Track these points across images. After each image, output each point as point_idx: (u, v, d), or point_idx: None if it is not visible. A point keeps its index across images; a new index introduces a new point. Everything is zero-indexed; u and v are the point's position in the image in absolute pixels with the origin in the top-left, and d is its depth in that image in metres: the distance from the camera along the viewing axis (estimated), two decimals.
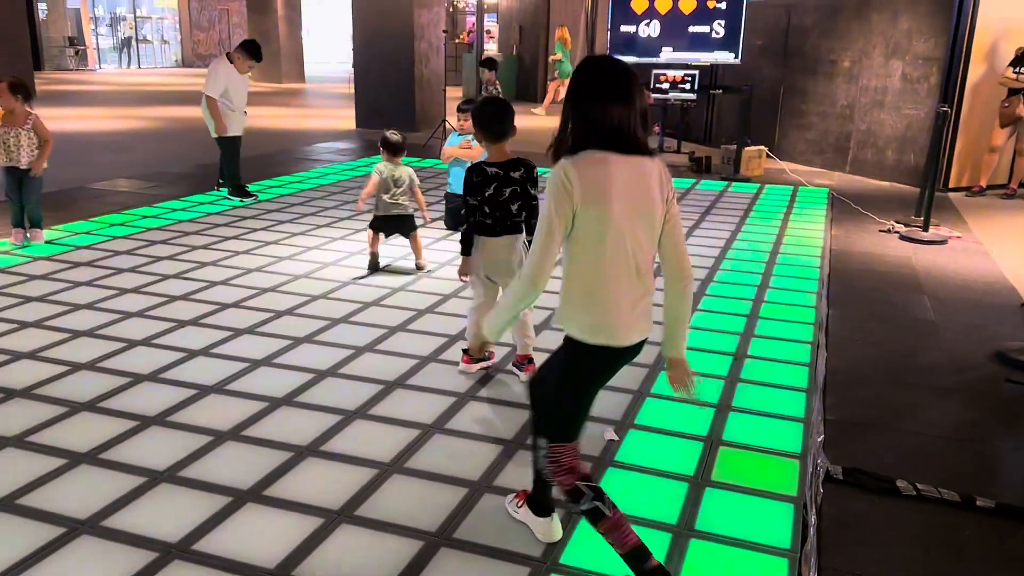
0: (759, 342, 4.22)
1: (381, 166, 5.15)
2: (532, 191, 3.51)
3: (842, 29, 9.56)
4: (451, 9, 22.91)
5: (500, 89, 10.12)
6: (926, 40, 8.57)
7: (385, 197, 5.17)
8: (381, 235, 5.30)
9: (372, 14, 12.35)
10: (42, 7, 25.04)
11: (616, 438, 3.16)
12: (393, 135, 5.16)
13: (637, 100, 2.15)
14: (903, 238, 6.52)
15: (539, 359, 3.91)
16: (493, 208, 3.47)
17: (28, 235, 5.70)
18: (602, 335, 2.18)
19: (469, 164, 4.23)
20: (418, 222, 5.41)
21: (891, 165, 9.11)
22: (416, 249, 5.35)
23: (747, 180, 9.13)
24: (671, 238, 2.22)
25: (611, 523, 2.20)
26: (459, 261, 3.70)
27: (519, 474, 2.88)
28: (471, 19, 23.30)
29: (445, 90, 12.17)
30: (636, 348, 2.27)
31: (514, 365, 3.77)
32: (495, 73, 10.47)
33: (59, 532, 2.49)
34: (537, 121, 14.94)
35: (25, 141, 5.56)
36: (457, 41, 22.59)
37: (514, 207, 3.49)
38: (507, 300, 2.29)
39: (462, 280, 3.68)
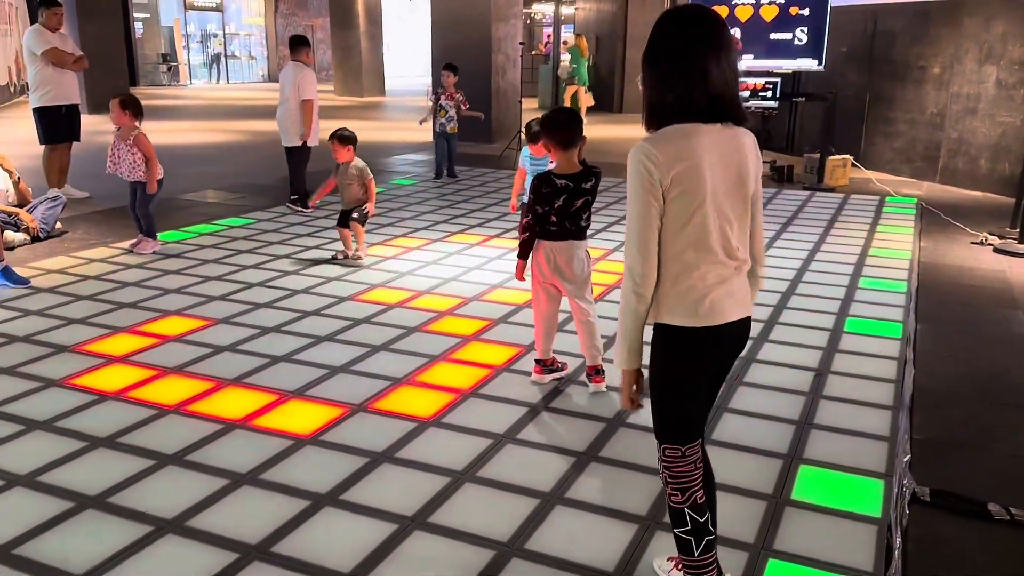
0: (843, 357, 4.09)
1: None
2: (594, 195, 3.55)
3: (932, 34, 9.23)
4: (528, 22, 23.05)
5: (462, 96, 9.27)
6: (1023, 45, 8.20)
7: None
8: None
9: (451, 28, 12.52)
10: (138, 26, 26.25)
11: None
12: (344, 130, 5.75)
13: (730, 56, 1.91)
14: (997, 251, 6.23)
15: (609, 370, 3.88)
16: (562, 217, 3.48)
17: (136, 242, 6.01)
18: (697, 316, 1.98)
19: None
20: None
21: (984, 174, 8.73)
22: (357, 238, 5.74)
23: (831, 190, 8.88)
24: (754, 220, 2.08)
25: (695, 568, 2.10)
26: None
27: (589, 486, 2.87)
28: (548, 31, 23.38)
29: (521, 101, 12.23)
30: (739, 332, 2.08)
31: (586, 376, 3.75)
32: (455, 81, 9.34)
33: (146, 531, 2.59)
34: (611, 131, 14.88)
35: (127, 155, 5.83)
36: (534, 53, 22.69)
37: (584, 216, 3.52)
38: (621, 322, 2.06)
39: (520, 281, 3.74)
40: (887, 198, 8.34)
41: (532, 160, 5.47)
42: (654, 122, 1.98)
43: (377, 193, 8.34)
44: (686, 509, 2.09)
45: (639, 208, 1.94)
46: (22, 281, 5.07)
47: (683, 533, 2.11)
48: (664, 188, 1.91)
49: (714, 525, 2.18)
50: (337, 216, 5.93)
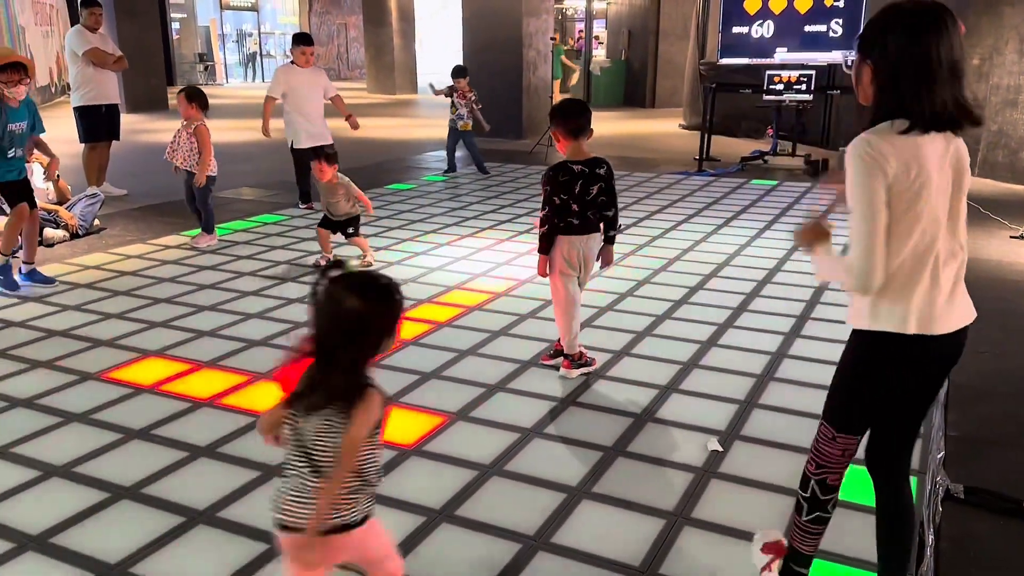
0: None
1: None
2: (612, 184, 3.58)
3: (970, 25, 9.03)
4: (559, 16, 22.99)
5: (475, 97, 9.30)
6: None
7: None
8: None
9: (482, 24, 12.53)
10: (175, 26, 26.65)
11: (720, 449, 3.08)
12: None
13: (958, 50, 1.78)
14: None
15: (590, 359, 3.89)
16: (583, 207, 3.51)
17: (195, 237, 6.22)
18: (915, 323, 1.87)
19: None
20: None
21: None
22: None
23: None
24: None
25: (799, 531, 2.15)
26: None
27: (617, 481, 2.86)
28: (580, 25, 23.30)
29: (552, 97, 12.21)
30: (955, 341, 1.95)
31: (561, 361, 3.77)
32: (467, 81, 9.40)
33: (179, 521, 2.64)
34: (643, 126, 14.81)
35: (185, 142, 6.00)
36: (565, 48, 22.62)
37: (605, 206, 3.57)
38: (842, 267, 1.95)
39: (543, 277, 3.75)
40: None
41: None
42: (871, 120, 1.87)
43: (408, 189, 8.41)
44: (813, 480, 2.12)
45: (865, 192, 1.82)
46: (47, 280, 5.14)
47: (802, 498, 2.15)
48: (889, 178, 1.80)
49: (885, 558, 2.14)
50: (320, 220, 5.60)
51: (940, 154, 1.85)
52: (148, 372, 3.82)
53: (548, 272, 3.68)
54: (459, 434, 3.23)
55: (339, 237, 5.58)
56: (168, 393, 3.59)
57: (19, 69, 4.72)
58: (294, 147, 7.35)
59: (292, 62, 7.40)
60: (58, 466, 2.97)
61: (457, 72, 9.36)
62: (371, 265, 5.51)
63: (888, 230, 1.84)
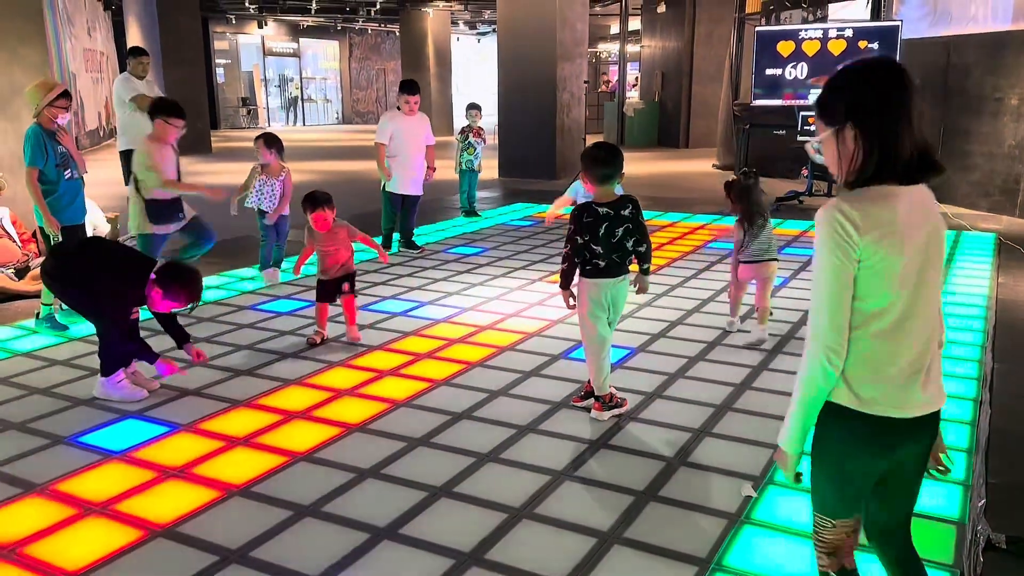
0: None
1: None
2: (640, 221, 3.58)
3: (1009, 65, 8.97)
4: (593, 60, 23.26)
5: (484, 137, 9.34)
6: None
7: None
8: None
9: (517, 68, 12.74)
10: (219, 72, 27.45)
11: (754, 494, 3.04)
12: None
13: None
14: None
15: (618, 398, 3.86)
16: (608, 250, 3.54)
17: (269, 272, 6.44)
18: (882, 405, 1.81)
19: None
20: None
21: None
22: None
23: None
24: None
25: None
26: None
27: (649, 526, 2.83)
28: (614, 68, 23.54)
29: (585, 139, 12.33)
30: (928, 422, 1.89)
31: (591, 401, 3.77)
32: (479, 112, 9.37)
33: (212, 560, 2.67)
34: (676, 166, 14.85)
35: (271, 191, 6.31)
36: (600, 91, 22.86)
37: (629, 244, 3.57)
38: (797, 397, 1.88)
39: (570, 308, 3.76)
40: (963, 233, 8.08)
41: (584, 194, 5.50)
42: (852, 181, 1.81)
43: (442, 228, 8.49)
44: (832, 573, 1.97)
45: (831, 261, 1.75)
46: (61, 327, 5.13)
47: None
48: (859, 251, 1.74)
49: None
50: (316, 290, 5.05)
51: (917, 210, 1.79)
52: (185, 411, 3.88)
53: (572, 306, 3.70)
54: (489, 476, 3.22)
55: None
56: (205, 432, 3.64)
57: (68, 96, 5.05)
58: (387, 189, 7.39)
59: (398, 108, 7.43)
60: (96, 502, 3.02)
61: (475, 107, 9.31)
62: (358, 340, 4.88)
63: (855, 304, 1.78)
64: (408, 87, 7.41)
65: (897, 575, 2.05)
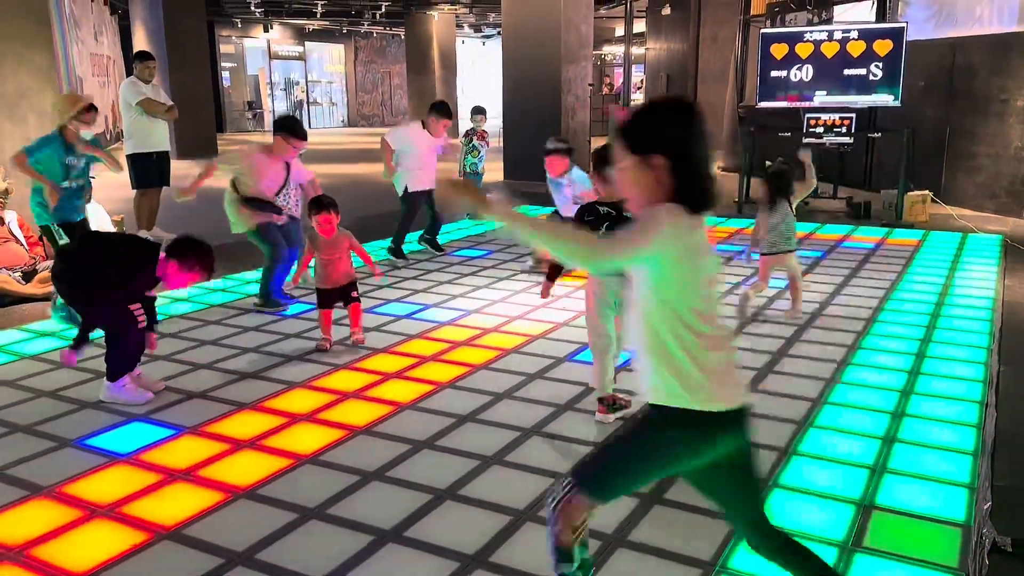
0: (921, 400, 3.96)
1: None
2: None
3: (1015, 66, 8.95)
4: (599, 63, 23.27)
5: (487, 142, 9.37)
6: None
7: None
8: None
9: (521, 71, 12.75)
10: (225, 76, 27.52)
11: None
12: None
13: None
14: None
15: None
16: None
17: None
18: (711, 399, 1.92)
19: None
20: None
21: None
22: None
23: (910, 226, 8.64)
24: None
25: None
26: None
27: (653, 529, 2.83)
28: (618, 71, 23.55)
29: (590, 141, 12.33)
30: (745, 414, 1.98)
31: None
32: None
33: (218, 563, 2.68)
34: None
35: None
36: (603, 93, 22.87)
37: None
38: (554, 234, 1.94)
39: (543, 298, 3.94)
40: (969, 235, 8.06)
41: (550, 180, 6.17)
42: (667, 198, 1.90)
43: (447, 232, 8.51)
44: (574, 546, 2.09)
45: (644, 239, 1.85)
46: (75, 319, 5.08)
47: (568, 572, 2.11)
48: (671, 247, 1.86)
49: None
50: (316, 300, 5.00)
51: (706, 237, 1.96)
52: (191, 414, 3.89)
53: (545, 296, 3.91)
54: (494, 478, 3.23)
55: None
56: (211, 435, 3.65)
57: (94, 108, 5.27)
58: (409, 191, 7.32)
59: (422, 122, 7.29)
60: (103, 505, 3.04)
61: (480, 112, 9.28)
62: (362, 343, 4.87)
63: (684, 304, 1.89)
64: (442, 110, 7.36)
65: (792, 562, 2.06)
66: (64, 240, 5.51)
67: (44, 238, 6.65)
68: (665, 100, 1.99)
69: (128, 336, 4.00)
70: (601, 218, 3.55)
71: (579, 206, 3.68)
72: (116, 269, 3.97)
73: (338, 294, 4.90)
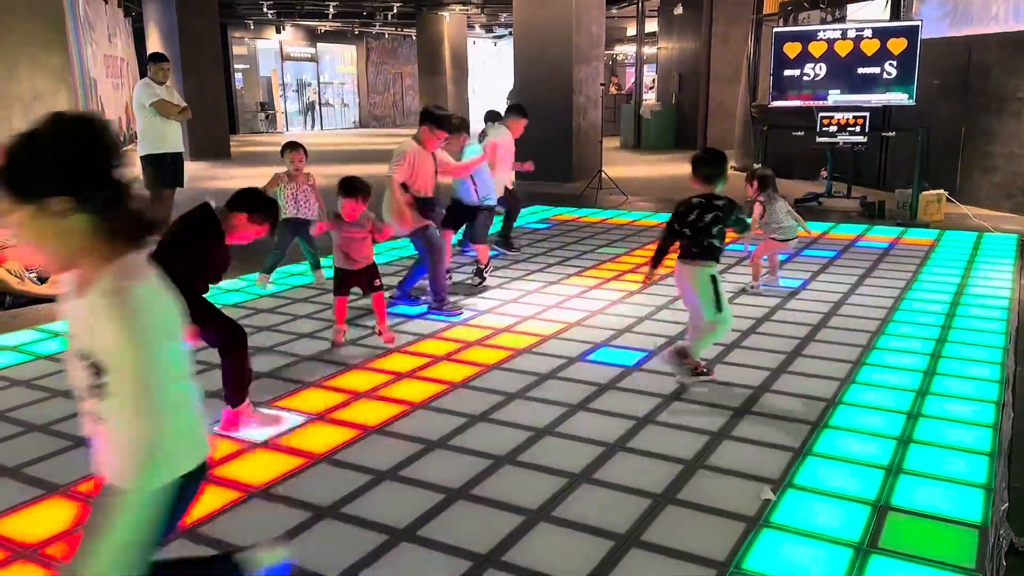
0: (936, 400, 3.93)
1: None
2: (731, 214, 4.05)
3: (1020, 68, 8.88)
4: (610, 63, 23.23)
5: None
6: None
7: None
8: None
9: (533, 71, 12.74)
10: (238, 77, 27.65)
11: (773, 497, 3.02)
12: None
13: None
14: None
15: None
16: (696, 234, 4.03)
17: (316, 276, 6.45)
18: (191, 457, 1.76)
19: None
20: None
21: None
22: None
23: (925, 226, 8.59)
24: None
25: None
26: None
27: (667, 529, 2.82)
28: (630, 71, 23.51)
29: (602, 141, 12.31)
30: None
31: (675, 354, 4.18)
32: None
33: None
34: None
35: (312, 198, 6.39)
36: (611, 92, 22.83)
37: (714, 231, 4.01)
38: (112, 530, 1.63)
39: (644, 284, 4.52)
40: (985, 234, 8.00)
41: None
42: (103, 255, 1.58)
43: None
44: None
45: (154, 353, 1.57)
46: None
47: None
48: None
49: None
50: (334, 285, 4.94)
51: None
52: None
53: (645, 283, 4.41)
54: (507, 478, 3.22)
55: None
56: (226, 435, 3.67)
57: None
58: (509, 188, 7.59)
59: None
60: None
61: (495, 116, 9.12)
62: (391, 342, 4.85)
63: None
64: (522, 111, 7.69)
65: None
66: None
67: None
68: (46, 126, 1.54)
69: (244, 342, 3.73)
70: (691, 207, 4.02)
71: (678, 202, 4.12)
72: (189, 254, 3.54)
73: (357, 277, 4.82)
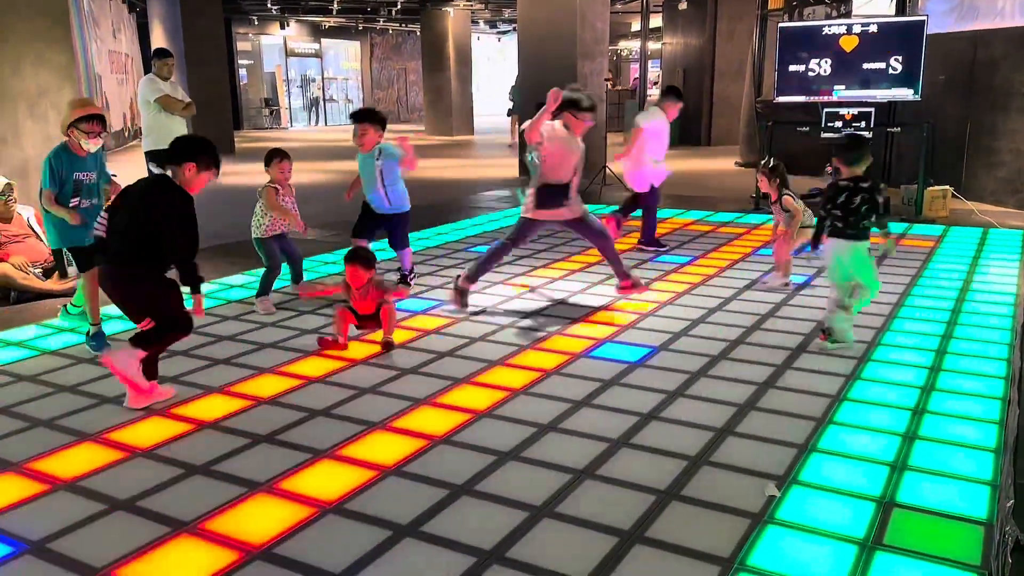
0: (941, 396, 3.91)
1: None
2: (876, 197, 4.44)
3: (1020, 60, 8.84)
4: (614, 58, 23.19)
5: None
6: None
7: None
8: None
9: (537, 67, 12.73)
10: (242, 73, 27.66)
11: (777, 493, 3.02)
12: None
13: None
14: None
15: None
16: (847, 213, 4.46)
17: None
18: None
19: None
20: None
21: None
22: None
23: (931, 222, 8.56)
24: None
25: None
26: None
27: (671, 525, 2.82)
28: (634, 66, 23.46)
29: (606, 137, 12.29)
30: None
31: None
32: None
33: (234, 557, 2.68)
34: (698, 164, 14.75)
35: (293, 207, 5.78)
36: (620, 88, 22.79)
37: (863, 210, 4.43)
38: None
39: (806, 259, 5.04)
40: (990, 230, 7.97)
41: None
42: None
43: (462, 228, 8.50)
44: None
45: None
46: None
47: None
48: None
49: None
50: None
51: None
52: (207, 409, 3.91)
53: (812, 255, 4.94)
54: (511, 474, 3.22)
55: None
56: (228, 429, 3.67)
57: (101, 122, 4.71)
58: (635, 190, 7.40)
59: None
60: (121, 499, 3.06)
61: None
62: (391, 347, 4.73)
63: None
64: (679, 94, 7.50)
65: None
66: (73, 266, 5.19)
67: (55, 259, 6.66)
68: None
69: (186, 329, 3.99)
70: (841, 190, 4.47)
71: (829, 184, 4.58)
72: (174, 221, 3.68)
73: (364, 320, 4.81)
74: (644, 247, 7.40)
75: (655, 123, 7.30)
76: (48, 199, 4.67)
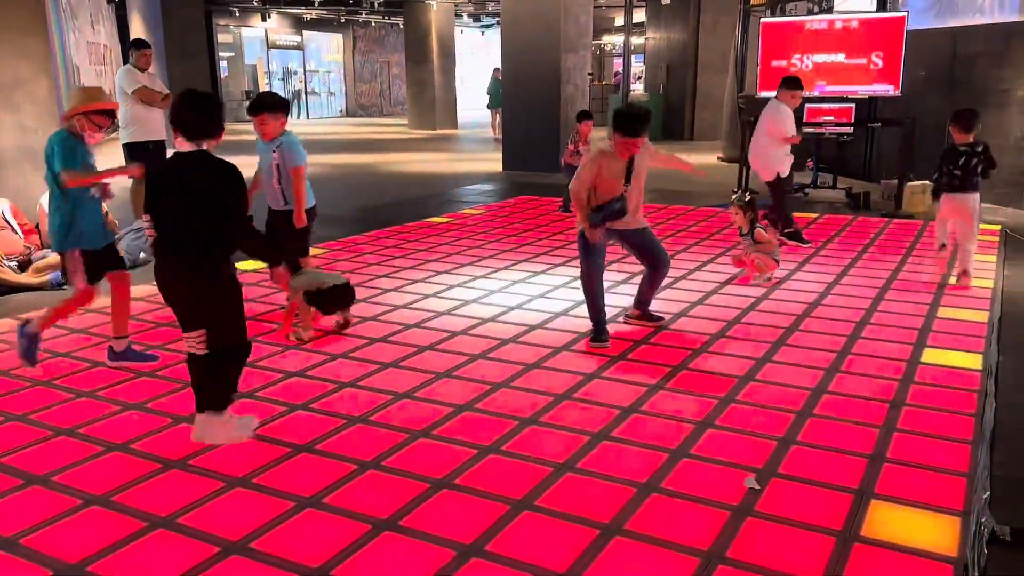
0: (919, 388, 3.94)
1: None
2: (990, 155, 5.60)
3: (1016, 56, 8.91)
4: (598, 52, 23.18)
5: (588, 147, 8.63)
6: None
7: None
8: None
9: (520, 60, 12.70)
10: (223, 65, 27.40)
11: (758, 487, 3.03)
12: None
13: None
14: None
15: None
16: (965, 172, 5.53)
17: None
18: None
19: None
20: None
21: None
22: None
23: (909, 216, 8.62)
24: None
25: None
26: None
27: (651, 518, 2.82)
28: (618, 61, 23.47)
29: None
30: None
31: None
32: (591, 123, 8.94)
33: (212, 551, 2.66)
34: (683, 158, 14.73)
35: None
36: (604, 83, 22.79)
37: (980, 168, 5.56)
38: None
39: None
40: None
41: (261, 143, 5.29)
42: None
43: (445, 223, 8.48)
44: None
45: None
46: (149, 358, 4.50)
47: None
48: None
49: None
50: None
51: None
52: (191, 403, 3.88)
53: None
54: (491, 468, 3.21)
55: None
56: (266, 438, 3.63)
57: (111, 116, 4.51)
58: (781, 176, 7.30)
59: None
60: (96, 495, 3.02)
61: (586, 115, 8.92)
62: (348, 324, 4.93)
63: None
64: (798, 84, 7.25)
65: None
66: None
67: (39, 226, 6.61)
68: None
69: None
70: (959, 154, 5.51)
71: (946, 149, 5.61)
72: (223, 205, 3.37)
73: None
74: (784, 240, 7.12)
75: (771, 113, 7.23)
76: (74, 176, 4.20)
